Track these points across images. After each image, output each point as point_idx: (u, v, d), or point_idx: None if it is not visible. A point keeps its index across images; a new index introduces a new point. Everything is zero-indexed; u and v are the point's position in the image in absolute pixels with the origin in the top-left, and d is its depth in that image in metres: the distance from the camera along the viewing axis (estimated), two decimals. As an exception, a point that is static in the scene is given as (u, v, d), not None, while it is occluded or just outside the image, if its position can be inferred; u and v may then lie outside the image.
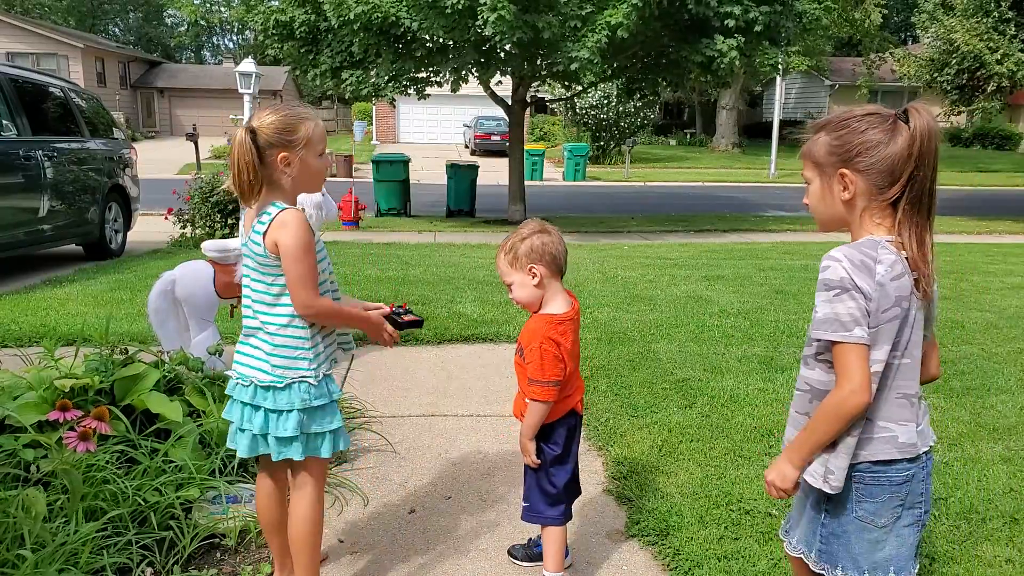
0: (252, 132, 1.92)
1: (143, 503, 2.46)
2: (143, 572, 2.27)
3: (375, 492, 2.94)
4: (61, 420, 2.32)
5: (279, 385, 1.99)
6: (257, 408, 2.03)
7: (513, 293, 2.15)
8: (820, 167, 1.56)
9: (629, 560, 2.50)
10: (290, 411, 2.00)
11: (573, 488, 2.32)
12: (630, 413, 3.70)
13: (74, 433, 2.21)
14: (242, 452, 2.08)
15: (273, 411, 2.01)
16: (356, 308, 2.18)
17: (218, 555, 2.48)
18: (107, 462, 2.55)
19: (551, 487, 2.23)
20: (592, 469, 3.15)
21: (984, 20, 12.82)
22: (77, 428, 2.23)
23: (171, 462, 2.67)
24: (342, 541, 2.58)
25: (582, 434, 3.43)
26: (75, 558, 2.17)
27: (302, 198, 4.27)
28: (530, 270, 2.10)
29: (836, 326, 1.46)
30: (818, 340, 1.52)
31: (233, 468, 2.80)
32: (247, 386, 2.04)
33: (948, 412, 3.77)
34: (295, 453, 2.03)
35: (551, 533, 2.28)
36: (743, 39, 10.33)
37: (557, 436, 2.21)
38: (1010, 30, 12.80)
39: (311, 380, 2.01)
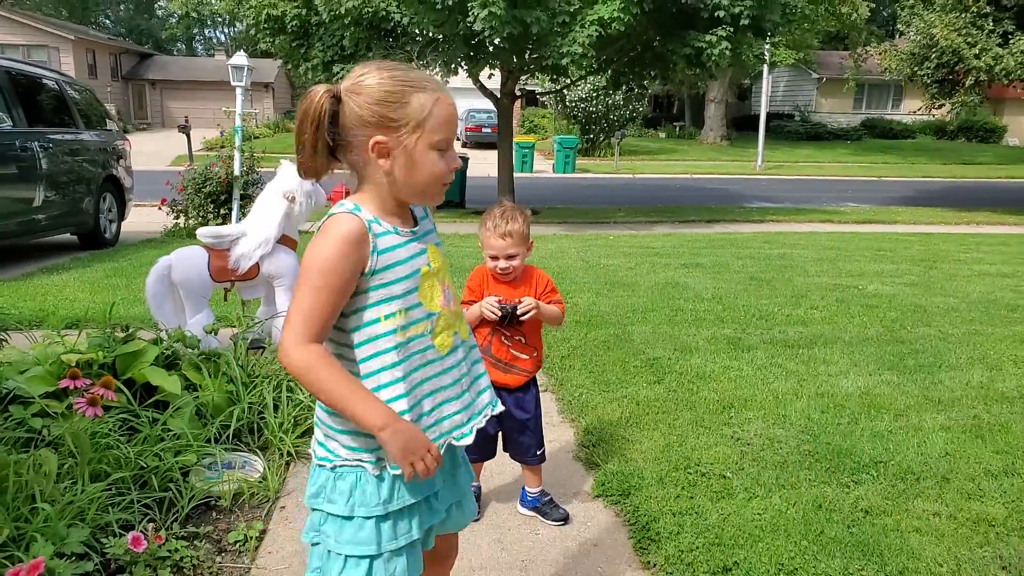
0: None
1: (144, 467, 2.66)
2: (145, 528, 2.47)
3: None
4: (71, 388, 2.54)
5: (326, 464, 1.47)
6: None
7: (516, 262, 2.47)
8: None
9: (594, 517, 2.72)
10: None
11: None
12: (602, 388, 3.93)
13: (83, 399, 2.43)
14: None
15: None
16: (378, 405, 1.35)
17: (214, 515, 2.68)
18: (110, 430, 2.75)
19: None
20: (564, 439, 3.38)
21: (962, 15, 13.07)
22: (86, 395, 2.45)
23: (170, 431, 2.88)
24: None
25: (556, 407, 3.72)
26: (83, 515, 2.36)
27: (293, 184, 4.31)
28: (530, 245, 2.50)
29: None
30: None
31: (228, 437, 3.02)
32: None
33: (900, 387, 4.01)
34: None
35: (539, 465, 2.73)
36: (731, 29, 10.49)
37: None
38: (988, 25, 13.04)
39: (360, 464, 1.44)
